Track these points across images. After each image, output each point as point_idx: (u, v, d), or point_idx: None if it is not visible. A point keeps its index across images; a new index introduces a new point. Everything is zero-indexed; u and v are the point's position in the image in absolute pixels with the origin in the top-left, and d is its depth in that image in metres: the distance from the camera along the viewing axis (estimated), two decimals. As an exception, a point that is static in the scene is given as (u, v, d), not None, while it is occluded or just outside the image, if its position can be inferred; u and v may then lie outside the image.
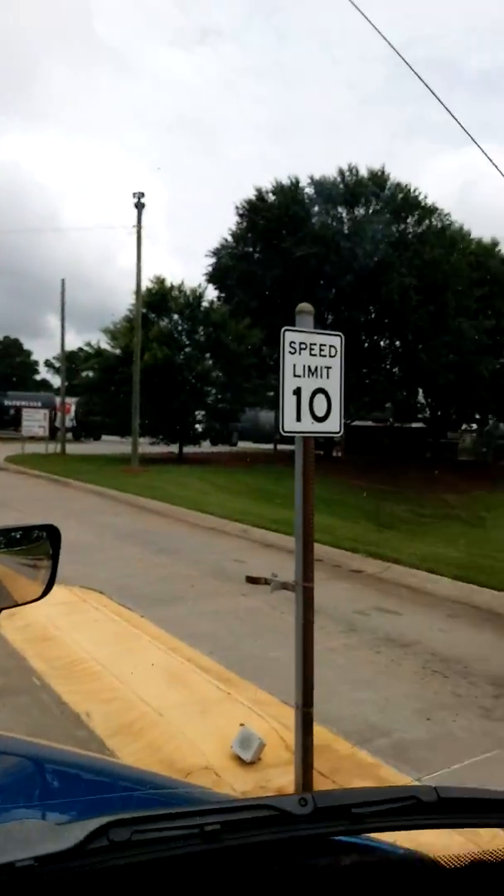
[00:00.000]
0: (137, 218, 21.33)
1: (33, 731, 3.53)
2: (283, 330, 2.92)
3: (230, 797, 1.27)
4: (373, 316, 24.86)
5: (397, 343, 26.39)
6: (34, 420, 27.51)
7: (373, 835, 0.79)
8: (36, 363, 76.73)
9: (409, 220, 24.54)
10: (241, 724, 3.51)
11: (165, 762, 3.27)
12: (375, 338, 26.39)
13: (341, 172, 24.75)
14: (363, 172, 24.71)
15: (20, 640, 4.91)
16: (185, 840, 0.62)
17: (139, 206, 21.27)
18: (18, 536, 1.61)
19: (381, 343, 26.87)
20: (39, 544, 1.61)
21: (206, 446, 30.22)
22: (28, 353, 77.24)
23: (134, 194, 21.22)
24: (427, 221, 24.67)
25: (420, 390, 28.15)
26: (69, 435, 31.47)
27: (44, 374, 73.26)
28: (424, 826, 0.71)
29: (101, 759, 1.58)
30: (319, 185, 24.82)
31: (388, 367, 27.11)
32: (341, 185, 24.65)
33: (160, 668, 4.48)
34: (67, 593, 6.07)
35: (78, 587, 6.36)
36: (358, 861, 0.74)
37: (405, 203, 24.29)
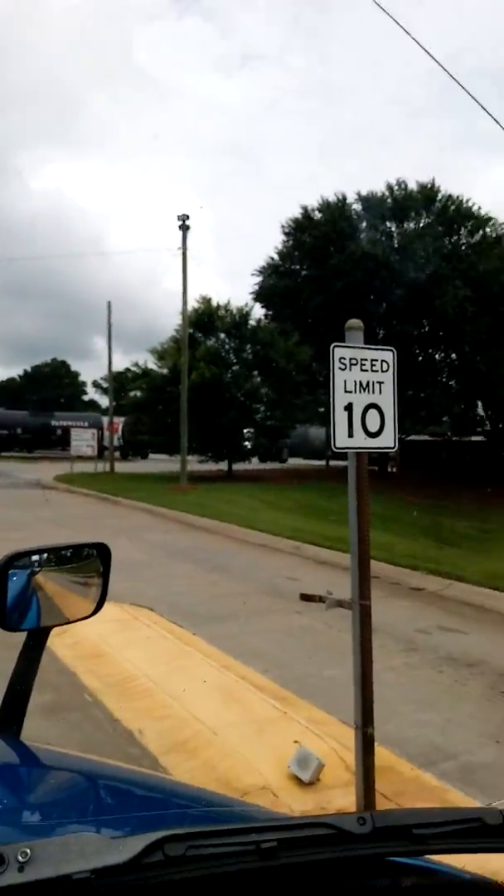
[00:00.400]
0: (182, 240, 21.68)
1: (86, 748, 3.49)
2: (332, 346, 2.91)
3: (288, 815, 1.21)
4: (426, 329, 24.55)
5: (453, 356, 25.96)
6: (83, 439, 28.04)
7: (438, 858, 0.75)
8: (84, 384, 78.71)
9: (461, 232, 24.23)
10: (296, 742, 3.40)
11: (221, 781, 3.19)
12: (430, 351, 26.02)
13: (390, 187, 24.69)
14: (412, 186, 24.60)
15: (71, 656, 4.90)
16: (240, 856, 0.60)
17: (184, 228, 21.61)
18: (69, 555, 1.62)
19: (437, 356, 26.48)
20: (90, 562, 1.62)
21: (255, 463, 30.30)
22: (76, 375, 79.26)
23: (179, 217, 21.59)
24: (481, 232, 24.30)
25: (479, 403, 27.56)
26: (116, 454, 31.98)
27: (91, 394, 75.01)
28: (490, 850, 0.67)
29: (154, 775, 1.54)
30: (367, 200, 24.78)
31: (444, 380, 26.66)
32: (390, 200, 24.57)
33: (213, 686, 4.40)
34: (119, 611, 6.06)
35: (129, 604, 6.36)
36: (420, 883, 0.70)
37: (457, 214, 24.01)
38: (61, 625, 1.57)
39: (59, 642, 4.98)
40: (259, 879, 0.62)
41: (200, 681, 4.48)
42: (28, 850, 0.54)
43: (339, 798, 3.05)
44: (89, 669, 4.71)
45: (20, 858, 0.54)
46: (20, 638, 1.47)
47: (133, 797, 1.21)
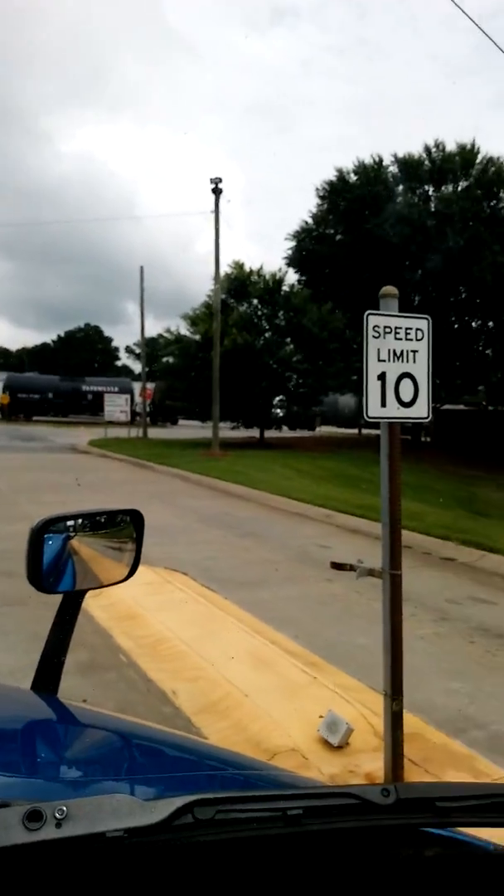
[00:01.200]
0: (215, 203, 21.38)
1: (121, 707, 3.60)
2: (366, 314, 2.88)
3: (316, 782, 1.23)
4: (463, 296, 24.02)
5: (490, 323, 25.40)
6: (116, 405, 28.40)
7: (469, 831, 0.76)
8: (117, 350, 79.20)
9: (501, 195, 23.49)
10: (320, 716, 3.46)
11: (251, 741, 3.27)
12: (466, 318, 25.50)
13: (427, 149, 24.01)
14: (451, 147, 23.85)
15: (106, 618, 5.02)
16: (267, 822, 0.63)
17: (216, 192, 21.28)
18: (103, 520, 1.64)
19: (473, 324, 25.93)
20: (123, 528, 1.65)
21: (285, 431, 30.25)
22: (109, 340, 79.65)
23: (211, 180, 21.23)
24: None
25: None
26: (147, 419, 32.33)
27: (124, 360, 75.48)
28: None
29: (188, 737, 1.58)
30: (404, 163, 24.13)
31: (480, 348, 26.14)
32: (427, 162, 23.89)
33: (245, 650, 4.48)
34: (152, 574, 6.17)
35: (163, 568, 6.47)
36: (443, 854, 0.72)
37: (497, 177, 23.24)
38: (96, 588, 1.60)
39: (95, 604, 5.10)
40: (284, 845, 0.64)
41: (232, 644, 4.56)
42: (64, 808, 0.57)
43: (368, 762, 3.10)
44: (124, 631, 4.82)
45: (57, 815, 0.57)
46: (58, 599, 1.51)
47: (166, 758, 1.25)
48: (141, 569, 1.67)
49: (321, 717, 3.37)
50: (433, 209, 23.02)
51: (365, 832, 0.66)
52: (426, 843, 0.71)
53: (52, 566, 1.47)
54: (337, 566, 3.26)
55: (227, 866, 0.64)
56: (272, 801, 0.65)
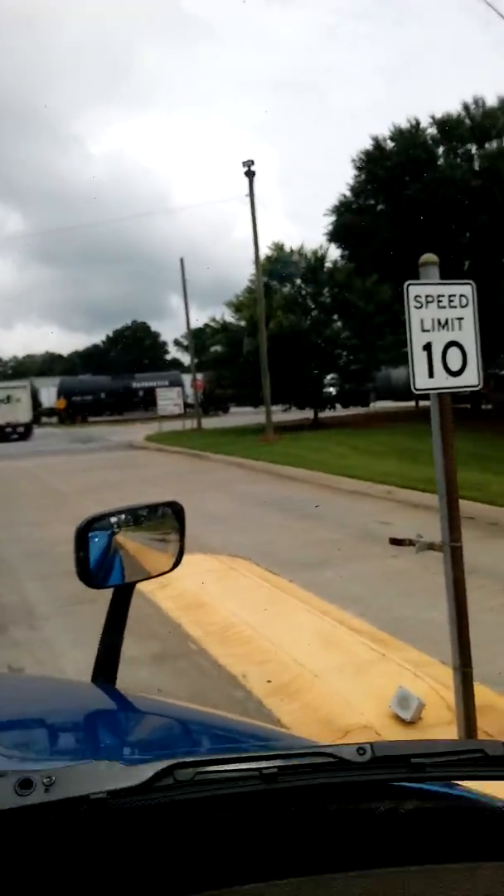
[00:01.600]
0: (249, 186, 21.21)
1: (193, 693, 3.68)
2: (406, 284, 2.86)
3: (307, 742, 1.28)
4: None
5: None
6: (168, 399, 28.85)
7: (461, 784, 0.79)
8: (165, 344, 79.94)
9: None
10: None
11: (323, 721, 3.30)
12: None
13: (466, 107, 23.15)
14: (492, 102, 22.96)
15: (174, 608, 5.12)
16: (244, 781, 0.66)
17: (250, 175, 21.11)
18: (145, 514, 1.70)
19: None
20: (166, 520, 1.70)
21: (339, 409, 30.02)
22: (157, 335, 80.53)
23: (244, 163, 21.06)
24: None
25: None
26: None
27: (173, 353, 76.20)
28: (485, 778, 0.71)
29: (225, 716, 1.66)
30: (442, 123, 23.39)
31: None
32: (467, 120, 23.09)
33: (311, 631, 4.51)
34: (216, 562, 6.25)
35: (226, 555, 6.53)
36: (421, 807, 0.73)
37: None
38: (145, 580, 1.66)
39: (162, 594, 5.21)
40: (261, 801, 0.68)
41: (298, 626, 4.60)
42: (52, 776, 0.63)
43: (441, 736, 3.08)
44: (192, 619, 4.91)
45: (45, 782, 0.62)
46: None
47: (182, 730, 1.33)
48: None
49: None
50: (477, 168, 22.28)
51: (339, 788, 0.69)
52: (405, 797, 0.73)
53: (99, 562, 1.52)
54: (396, 542, 3.25)
55: (206, 823, 0.68)
56: (250, 761, 0.69)
